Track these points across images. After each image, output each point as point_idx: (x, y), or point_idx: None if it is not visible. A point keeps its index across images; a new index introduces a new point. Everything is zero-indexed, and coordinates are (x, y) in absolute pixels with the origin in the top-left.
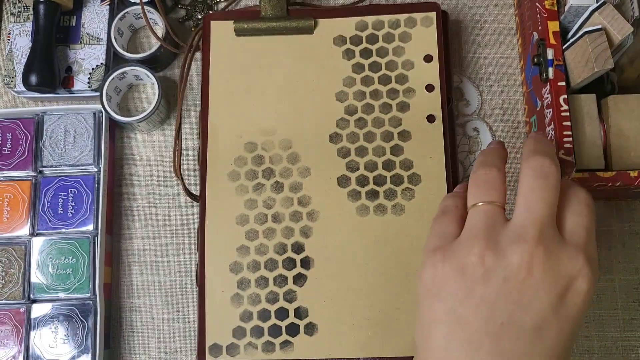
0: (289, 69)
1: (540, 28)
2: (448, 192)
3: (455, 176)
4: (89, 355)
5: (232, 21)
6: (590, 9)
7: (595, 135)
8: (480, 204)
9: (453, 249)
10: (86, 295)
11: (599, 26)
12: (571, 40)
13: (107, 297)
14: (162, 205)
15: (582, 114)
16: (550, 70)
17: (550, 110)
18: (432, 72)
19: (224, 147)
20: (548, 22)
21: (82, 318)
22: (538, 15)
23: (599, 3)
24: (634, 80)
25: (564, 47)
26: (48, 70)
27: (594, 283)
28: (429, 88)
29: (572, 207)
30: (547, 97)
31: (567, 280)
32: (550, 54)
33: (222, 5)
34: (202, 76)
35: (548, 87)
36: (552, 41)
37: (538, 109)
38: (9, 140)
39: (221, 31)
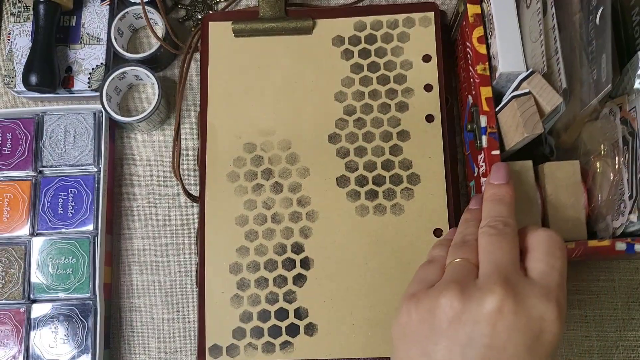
0: (287, 69)
1: (473, 93)
2: (447, 191)
3: (455, 175)
4: (89, 355)
5: (231, 22)
6: (519, 78)
7: (532, 204)
8: (456, 260)
9: (427, 294)
10: (86, 295)
11: (527, 90)
12: (502, 104)
13: (107, 297)
14: (162, 205)
15: (518, 182)
16: (484, 138)
17: (486, 179)
18: (430, 72)
19: (223, 148)
20: (481, 87)
21: (82, 318)
22: (472, 80)
23: (528, 72)
24: (572, 143)
25: (497, 110)
26: (48, 70)
27: (565, 321)
28: (428, 88)
29: (544, 250)
30: (482, 165)
31: (539, 321)
32: (483, 121)
33: (222, 5)
34: (201, 77)
35: (483, 154)
36: (485, 107)
37: (475, 174)
38: (9, 140)
39: (220, 32)
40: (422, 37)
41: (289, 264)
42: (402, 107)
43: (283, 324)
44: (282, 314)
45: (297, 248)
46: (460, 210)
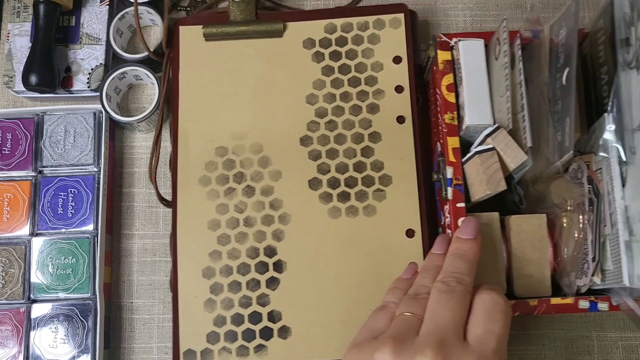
0: (258, 72)
1: (441, 141)
2: (419, 192)
3: (427, 176)
4: (89, 355)
5: (201, 26)
6: (484, 134)
7: (497, 257)
8: (405, 313)
9: (368, 345)
10: (86, 295)
11: (491, 146)
12: (467, 157)
13: (107, 297)
14: (162, 205)
15: (484, 234)
16: (450, 190)
17: (450, 231)
18: (401, 73)
19: (195, 152)
20: (448, 137)
21: (82, 318)
22: (440, 127)
23: (493, 128)
24: (541, 194)
25: (463, 160)
26: (48, 70)
27: None
28: (399, 89)
29: (485, 313)
30: (448, 217)
31: None
32: (449, 172)
33: (222, 5)
34: (173, 81)
35: (448, 206)
36: (452, 158)
37: (442, 223)
38: (9, 140)
39: (191, 36)
40: (392, 38)
41: (262, 268)
42: (373, 108)
43: (257, 328)
44: (255, 317)
45: (270, 251)
46: (432, 211)
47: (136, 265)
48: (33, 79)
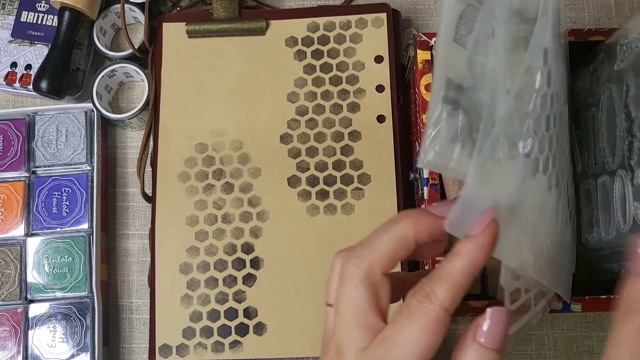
0: (240, 70)
1: (419, 141)
2: (397, 191)
3: (406, 175)
4: (88, 354)
5: (184, 23)
6: None
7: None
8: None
9: None
10: (83, 294)
11: None
12: None
13: (104, 294)
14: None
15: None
16: (426, 189)
17: None
18: (382, 73)
19: (175, 148)
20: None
21: (80, 316)
22: (419, 127)
23: None
24: None
25: None
26: (59, 78)
27: None
28: (379, 88)
29: None
30: None
31: None
32: (426, 172)
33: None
34: (155, 77)
35: (424, 205)
36: None
37: None
38: (1, 141)
39: (173, 32)
40: (374, 38)
41: (239, 264)
42: (354, 107)
43: (232, 324)
44: (231, 313)
45: (247, 248)
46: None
47: (135, 265)
48: (43, 86)
